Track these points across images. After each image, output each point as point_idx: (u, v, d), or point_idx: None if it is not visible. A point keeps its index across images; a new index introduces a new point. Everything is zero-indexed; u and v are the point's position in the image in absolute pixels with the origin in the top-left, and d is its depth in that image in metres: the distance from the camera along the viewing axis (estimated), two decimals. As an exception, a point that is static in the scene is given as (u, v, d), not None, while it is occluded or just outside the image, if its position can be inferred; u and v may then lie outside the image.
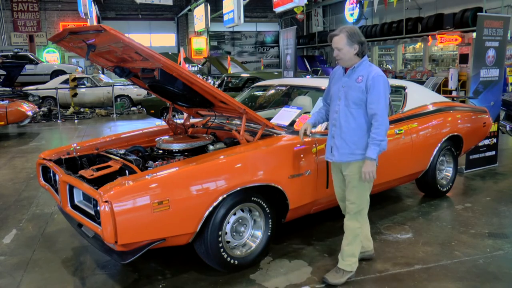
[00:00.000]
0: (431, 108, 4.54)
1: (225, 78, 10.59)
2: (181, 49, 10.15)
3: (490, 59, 5.81)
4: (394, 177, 4.16)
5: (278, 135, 3.52)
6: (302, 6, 16.53)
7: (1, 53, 16.96)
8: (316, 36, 22.38)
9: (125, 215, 2.60)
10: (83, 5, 13.28)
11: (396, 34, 16.68)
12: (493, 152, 6.13)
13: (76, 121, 12.62)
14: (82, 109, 14.20)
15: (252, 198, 3.14)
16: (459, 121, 4.77)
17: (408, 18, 16.16)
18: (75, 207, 3.15)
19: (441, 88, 12.65)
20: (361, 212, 3.03)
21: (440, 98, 4.95)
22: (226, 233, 3.09)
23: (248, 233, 3.27)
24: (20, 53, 17.14)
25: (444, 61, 15.47)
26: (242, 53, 25.31)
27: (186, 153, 3.55)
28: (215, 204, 2.90)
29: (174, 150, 3.58)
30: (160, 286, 3.09)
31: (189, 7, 19.55)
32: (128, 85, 14.19)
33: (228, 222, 3.08)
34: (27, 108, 9.91)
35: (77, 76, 14.54)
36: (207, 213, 2.88)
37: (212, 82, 13.46)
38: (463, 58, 12.33)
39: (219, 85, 10.40)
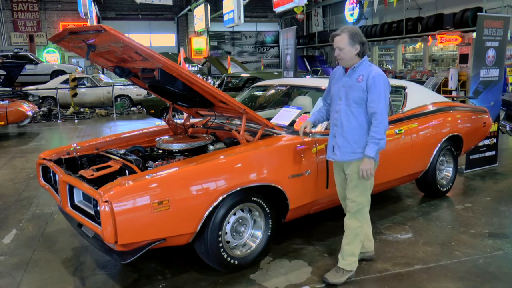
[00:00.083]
0: (431, 108, 4.54)
1: (225, 78, 10.59)
2: (181, 49, 10.16)
3: (490, 59, 5.81)
4: (394, 177, 4.16)
5: (278, 135, 3.52)
6: (302, 6, 16.53)
7: (1, 53, 16.96)
8: (316, 36, 22.37)
9: (125, 215, 2.60)
10: (83, 5, 13.28)
11: (396, 34, 16.68)
12: (493, 152, 6.13)
13: (76, 121, 12.62)
14: (82, 109, 14.19)
15: (252, 198, 3.14)
16: (459, 121, 4.77)
17: (408, 18, 16.15)
18: (75, 207, 3.15)
19: (441, 88, 12.66)
20: (362, 211, 3.04)
21: (440, 98, 4.95)
22: (226, 233, 3.09)
23: (248, 233, 3.27)
24: (20, 53, 17.13)
25: (444, 61, 15.48)
26: (242, 53, 25.30)
27: (186, 153, 3.55)
28: (215, 204, 2.90)
29: (174, 150, 3.58)
30: (160, 286, 3.09)
31: (189, 7, 19.55)
32: (128, 85, 14.18)
33: (228, 222, 3.08)
34: (27, 108, 9.91)
35: (77, 76, 14.54)
36: (207, 213, 2.88)
37: (212, 82, 13.45)
38: (463, 58, 12.34)
39: (219, 85, 10.39)
